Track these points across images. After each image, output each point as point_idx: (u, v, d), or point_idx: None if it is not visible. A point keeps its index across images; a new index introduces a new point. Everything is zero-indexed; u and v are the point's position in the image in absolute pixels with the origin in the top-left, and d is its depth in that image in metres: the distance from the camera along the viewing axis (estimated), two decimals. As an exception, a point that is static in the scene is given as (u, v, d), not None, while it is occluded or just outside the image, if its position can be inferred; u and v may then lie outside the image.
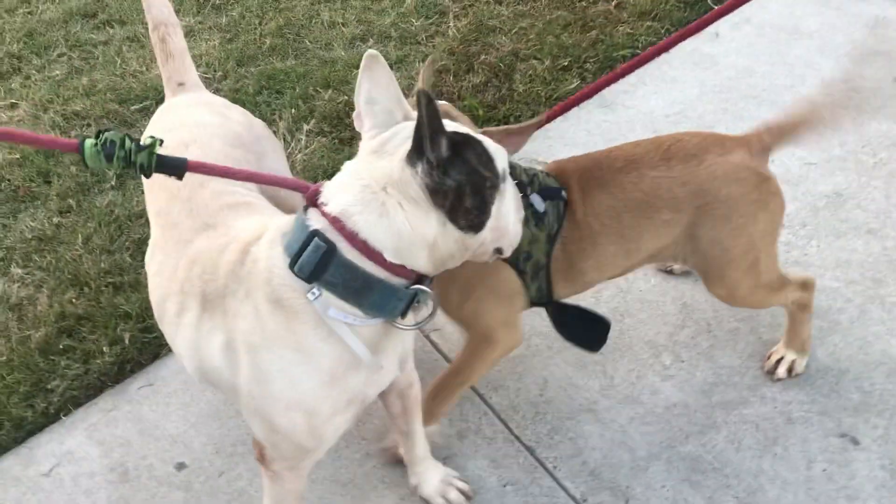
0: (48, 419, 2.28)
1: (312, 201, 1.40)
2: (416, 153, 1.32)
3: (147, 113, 3.27)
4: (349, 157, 2.90)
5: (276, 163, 2.00)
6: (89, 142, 1.40)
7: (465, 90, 3.19)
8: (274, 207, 1.78)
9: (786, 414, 2.11)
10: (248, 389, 1.45)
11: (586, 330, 1.99)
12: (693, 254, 1.93)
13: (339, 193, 1.37)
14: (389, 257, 1.35)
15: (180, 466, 2.14)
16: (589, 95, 3.17)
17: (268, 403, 1.44)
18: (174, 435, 2.20)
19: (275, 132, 3.08)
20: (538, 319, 2.21)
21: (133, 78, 3.45)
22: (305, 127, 3.10)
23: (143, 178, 1.89)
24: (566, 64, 3.27)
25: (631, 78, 3.20)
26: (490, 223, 1.42)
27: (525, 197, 1.84)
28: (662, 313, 2.37)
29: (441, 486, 1.99)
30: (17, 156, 3.09)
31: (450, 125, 1.37)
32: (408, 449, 1.95)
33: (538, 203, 1.84)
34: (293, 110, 3.18)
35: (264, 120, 3.10)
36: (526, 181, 1.87)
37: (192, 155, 1.79)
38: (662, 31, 3.39)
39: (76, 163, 3.01)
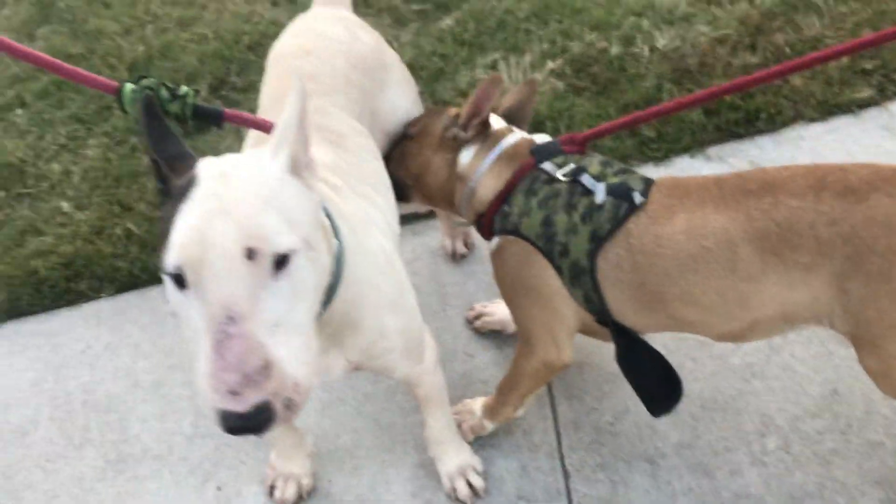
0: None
1: None
2: None
3: (423, 15, 3.33)
4: (570, 108, 2.75)
5: (400, 97, 1.95)
6: (129, 87, 1.46)
7: (731, 68, 2.79)
8: (354, 145, 1.72)
9: (877, 568, 1.67)
10: None
11: (655, 383, 1.71)
12: (843, 314, 1.51)
13: None
14: None
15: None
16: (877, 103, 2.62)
17: None
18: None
19: (517, 63, 2.99)
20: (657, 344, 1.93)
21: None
22: (549, 65, 2.95)
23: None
24: (869, 67, 2.70)
25: (944, 105, 2.57)
26: None
27: (576, 181, 1.65)
28: (801, 391, 1.96)
29: (455, 471, 1.90)
30: None
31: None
32: (425, 429, 1.89)
33: (600, 193, 1.62)
34: (546, 45, 3.03)
35: (514, 49, 3.04)
36: (599, 172, 1.66)
37: (309, 64, 1.80)
38: None
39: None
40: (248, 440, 2.09)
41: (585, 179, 1.65)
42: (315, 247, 1.14)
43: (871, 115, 2.59)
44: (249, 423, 1.00)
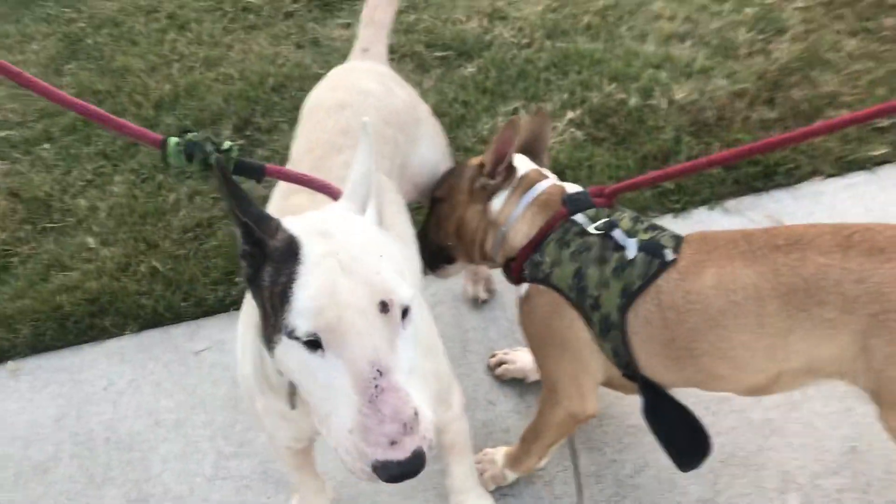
0: (222, 307, 2.57)
1: None
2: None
3: (446, 62, 3.40)
4: (589, 157, 2.79)
5: (430, 150, 1.99)
6: (173, 140, 1.50)
7: (749, 122, 2.84)
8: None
9: None
10: None
11: (684, 438, 1.73)
12: (866, 371, 1.54)
13: None
14: None
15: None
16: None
17: None
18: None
19: (538, 112, 3.03)
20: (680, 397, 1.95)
21: (451, 25, 3.57)
22: (569, 115, 3.00)
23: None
24: (885, 125, 2.76)
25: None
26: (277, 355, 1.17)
27: (608, 235, 1.68)
28: (821, 448, 1.98)
29: (478, 521, 1.91)
30: None
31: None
32: (447, 478, 1.90)
33: (631, 248, 1.65)
34: (566, 95, 3.09)
35: (535, 98, 3.09)
36: (630, 228, 1.70)
37: (343, 118, 1.85)
38: None
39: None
40: (269, 482, 2.10)
41: (617, 234, 1.69)
42: (417, 293, 1.19)
43: (888, 172, 2.64)
44: (409, 468, 1.06)
